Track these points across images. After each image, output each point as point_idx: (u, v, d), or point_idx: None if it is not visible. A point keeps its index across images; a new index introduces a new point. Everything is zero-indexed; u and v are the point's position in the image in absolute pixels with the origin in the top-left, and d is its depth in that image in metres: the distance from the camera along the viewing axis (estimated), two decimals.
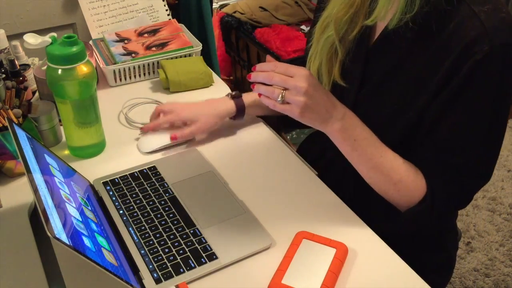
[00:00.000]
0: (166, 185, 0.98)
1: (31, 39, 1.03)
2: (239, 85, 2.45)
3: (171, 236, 0.87)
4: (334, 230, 0.89)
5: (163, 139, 1.10)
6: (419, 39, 0.83)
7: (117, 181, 0.98)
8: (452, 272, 1.10)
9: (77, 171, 0.95)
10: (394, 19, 0.81)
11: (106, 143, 1.10)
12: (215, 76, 1.36)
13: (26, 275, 0.82)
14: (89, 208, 0.85)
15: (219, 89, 1.33)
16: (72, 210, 0.76)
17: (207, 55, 1.82)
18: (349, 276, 0.82)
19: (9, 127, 0.80)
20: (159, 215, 0.91)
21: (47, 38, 0.98)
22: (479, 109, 0.81)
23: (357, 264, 0.84)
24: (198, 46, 1.37)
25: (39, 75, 1.12)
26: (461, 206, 0.92)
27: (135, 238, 0.86)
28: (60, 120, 1.08)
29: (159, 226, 0.88)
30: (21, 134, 0.81)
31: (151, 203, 0.94)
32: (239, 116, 1.12)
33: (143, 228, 0.88)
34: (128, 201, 0.94)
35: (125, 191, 0.96)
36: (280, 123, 1.22)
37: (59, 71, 0.95)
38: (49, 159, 0.85)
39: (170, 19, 1.51)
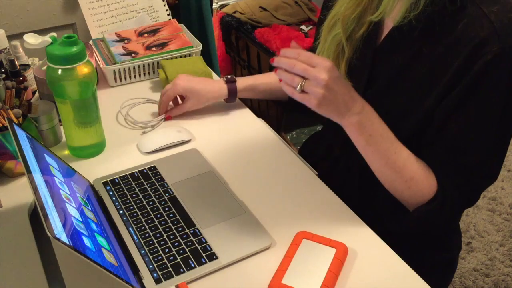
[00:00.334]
0: (166, 185, 0.98)
1: (31, 39, 1.03)
2: None
3: (171, 236, 0.87)
4: (334, 230, 0.89)
5: (163, 139, 1.10)
6: (427, 39, 0.84)
7: (117, 181, 0.98)
8: (454, 272, 1.10)
9: (77, 171, 0.95)
10: (398, 17, 0.82)
11: (106, 143, 1.10)
12: (215, 76, 1.36)
13: (26, 275, 0.82)
14: (89, 208, 0.85)
15: None
16: (72, 210, 0.76)
17: (207, 55, 1.82)
18: (349, 276, 0.82)
19: (9, 127, 0.80)
20: (159, 215, 0.91)
21: (47, 38, 0.98)
22: (489, 109, 0.81)
23: (357, 264, 0.84)
24: (198, 46, 1.37)
25: (39, 75, 1.12)
26: (469, 206, 0.92)
27: (135, 238, 0.86)
28: (60, 120, 1.08)
29: (159, 226, 0.88)
30: (21, 134, 0.81)
31: (151, 203, 0.94)
32: (231, 100, 1.20)
33: (143, 228, 0.88)
34: (128, 201, 0.94)
35: (125, 191, 0.96)
36: (287, 106, 1.23)
37: (59, 71, 0.95)
38: (49, 159, 0.85)
39: (170, 19, 1.51)
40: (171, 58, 1.34)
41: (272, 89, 1.20)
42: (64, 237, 0.65)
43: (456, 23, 0.80)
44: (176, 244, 0.85)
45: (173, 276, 0.80)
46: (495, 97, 0.80)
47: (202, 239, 0.86)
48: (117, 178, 0.99)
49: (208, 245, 0.85)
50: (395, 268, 0.84)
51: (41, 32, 1.13)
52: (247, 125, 1.19)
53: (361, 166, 1.00)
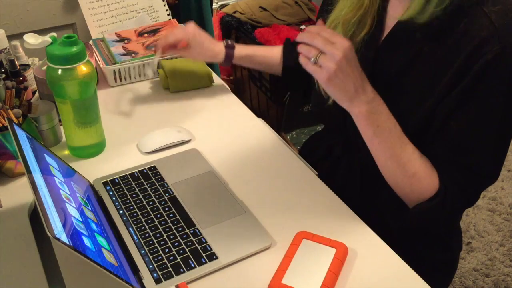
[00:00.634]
0: (166, 185, 0.98)
1: (31, 39, 1.02)
2: (239, 85, 2.45)
3: (171, 236, 0.87)
4: (334, 230, 0.89)
5: (163, 139, 1.10)
6: (428, 39, 0.84)
7: (117, 181, 0.98)
8: (454, 272, 1.10)
9: (77, 171, 0.95)
10: (408, 15, 0.81)
11: (106, 143, 1.10)
12: (215, 76, 1.36)
13: (26, 275, 0.82)
14: (89, 208, 0.85)
15: (219, 89, 1.33)
16: (72, 210, 0.76)
17: None
18: (349, 276, 0.82)
19: (9, 127, 0.80)
20: (159, 215, 0.91)
21: (47, 38, 0.98)
22: (490, 108, 0.81)
23: (357, 264, 0.84)
24: None
25: (39, 75, 1.12)
26: (469, 205, 0.92)
27: (135, 238, 0.86)
28: (60, 120, 1.08)
29: (159, 226, 0.88)
30: (21, 134, 0.81)
31: (151, 203, 0.94)
32: (226, 64, 1.24)
33: (143, 228, 0.88)
34: (128, 201, 0.94)
35: (125, 191, 0.96)
36: (283, 80, 1.28)
37: (59, 71, 0.95)
38: (49, 159, 0.85)
39: (170, 19, 1.51)
40: (171, 58, 1.34)
41: (268, 63, 1.25)
42: (64, 237, 0.65)
43: (457, 23, 0.80)
44: (176, 244, 0.85)
45: (173, 276, 0.80)
46: (496, 96, 0.80)
47: (202, 239, 0.86)
48: (117, 178, 0.99)
49: (208, 245, 0.85)
50: (395, 268, 0.84)
51: (41, 32, 1.13)
52: (247, 125, 1.19)
53: (362, 166, 1.00)
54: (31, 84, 1.21)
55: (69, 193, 0.81)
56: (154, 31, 1.40)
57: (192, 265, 0.82)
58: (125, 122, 1.18)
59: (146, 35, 1.39)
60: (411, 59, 0.86)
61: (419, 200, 0.88)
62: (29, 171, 0.72)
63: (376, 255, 0.86)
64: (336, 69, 0.79)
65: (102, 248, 0.75)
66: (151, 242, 0.85)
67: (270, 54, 1.24)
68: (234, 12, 2.39)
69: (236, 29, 2.32)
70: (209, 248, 0.85)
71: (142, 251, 0.84)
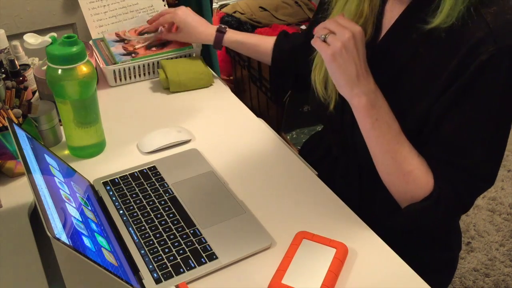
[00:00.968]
0: (166, 185, 0.98)
1: (31, 39, 1.02)
2: (239, 85, 2.45)
3: (171, 236, 0.87)
4: (334, 230, 0.89)
5: (163, 139, 1.10)
6: (424, 40, 0.83)
7: (117, 181, 0.98)
8: (454, 272, 1.10)
9: (77, 171, 0.95)
10: (438, 19, 0.80)
11: (106, 143, 1.10)
12: (215, 76, 1.36)
13: (26, 275, 0.82)
14: (89, 208, 0.85)
15: (219, 89, 1.33)
16: (72, 210, 0.76)
17: (207, 55, 1.82)
18: (349, 276, 0.82)
19: (9, 127, 0.80)
20: (159, 215, 0.91)
21: (47, 38, 0.98)
22: (484, 109, 0.81)
23: (357, 264, 0.84)
24: (198, 46, 1.38)
25: (39, 75, 1.12)
26: (464, 210, 0.90)
27: (135, 238, 0.86)
28: (60, 120, 1.08)
29: (159, 226, 0.88)
30: (21, 134, 0.81)
31: (151, 203, 0.94)
32: (217, 47, 1.30)
33: (143, 228, 0.88)
34: (128, 201, 0.94)
35: (125, 191, 0.96)
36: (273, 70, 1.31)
37: (59, 71, 0.95)
38: (49, 159, 0.85)
39: None
40: (171, 58, 1.34)
41: (258, 51, 1.28)
42: (64, 237, 0.65)
43: (452, 24, 0.80)
44: (176, 244, 0.85)
45: (173, 276, 0.80)
46: (490, 97, 0.80)
47: (202, 239, 0.86)
48: (117, 178, 0.99)
49: (208, 245, 0.85)
50: (395, 268, 0.84)
51: (41, 32, 1.13)
52: (247, 125, 1.19)
53: (360, 167, 1.00)
54: (31, 84, 1.21)
55: (69, 193, 0.81)
56: (154, 31, 1.40)
57: (192, 265, 0.82)
58: (125, 122, 1.18)
59: (146, 35, 1.39)
60: (407, 59, 0.86)
61: (412, 200, 0.88)
62: (29, 171, 0.72)
63: (376, 255, 0.86)
64: (341, 47, 0.81)
65: (102, 248, 0.75)
66: (151, 242, 0.85)
67: (262, 43, 1.27)
68: (234, 12, 2.39)
69: (236, 29, 2.31)
70: (209, 248, 0.85)
71: (142, 251, 0.84)
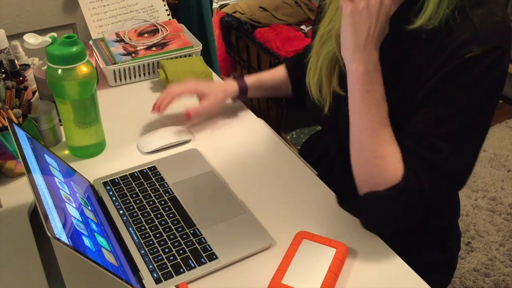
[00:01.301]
0: (166, 185, 0.98)
1: (31, 39, 1.02)
2: None
3: (171, 236, 0.87)
4: (334, 230, 0.89)
5: (163, 139, 1.10)
6: (411, 41, 0.83)
7: (117, 181, 0.98)
8: (453, 272, 1.10)
9: (77, 171, 0.95)
10: (420, 20, 0.80)
11: (106, 143, 1.10)
12: (215, 76, 1.36)
13: (26, 275, 0.82)
14: (89, 208, 0.86)
15: None
16: (72, 210, 0.76)
17: (207, 55, 1.82)
18: (349, 276, 0.82)
19: (9, 127, 0.80)
20: (159, 215, 0.91)
21: (47, 38, 0.98)
22: (458, 107, 0.80)
23: (357, 264, 0.84)
24: (198, 46, 1.37)
25: (39, 75, 1.13)
26: (425, 211, 0.86)
27: (135, 238, 0.86)
28: (60, 120, 1.08)
29: (159, 226, 0.88)
30: (21, 134, 0.81)
31: (151, 203, 0.94)
32: (242, 96, 1.19)
33: (143, 228, 0.88)
34: (128, 201, 0.94)
35: (125, 191, 0.96)
36: (290, 102, 1.24)
37: (59, 71, 0.95)
38: (49, 159, 0.85)
39: (170, 19, 1.51)
40: (171, 58, 1.34)
41: (280, 84, 1.21)
42: (64, 237, 0.65)
43: (439, 25, 0.79)
44: (176, 244, 0.85)
45: (173, 276, 0.80)
46: (467, 96, 0.79)
47: (202, 239, 0.86)
48: (117, 178, 0.99)
49: (208, 245, 0.85)
50: (395, 268, 0.84)
51: (41, 32, 1.13)
52: (247, 125, 1.19)
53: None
54: (31, 84, 1.21)
55: (69, 193, 0.81)
56: (154, 31, 1.40)
57: (192, 265, 0.82)
58: (125, 122, 1.18)
59: (146, 35, 1.39)
60: (396, 59, 0.86)
61: (375, 187, 0.84)
62: (29, 171, 0.72)
63: (376, 255, 0.86)
64: (363, 6, 0.79)
65: (102, 248, 0.75)
66: (151, 242, 0.85)
67: (276, 75, 1.21)
68: (234, 12, 2.39)
69: (236, 29, 2.32)
70: (209, 248, 0.85)
71: (142, 251, 0.84)
